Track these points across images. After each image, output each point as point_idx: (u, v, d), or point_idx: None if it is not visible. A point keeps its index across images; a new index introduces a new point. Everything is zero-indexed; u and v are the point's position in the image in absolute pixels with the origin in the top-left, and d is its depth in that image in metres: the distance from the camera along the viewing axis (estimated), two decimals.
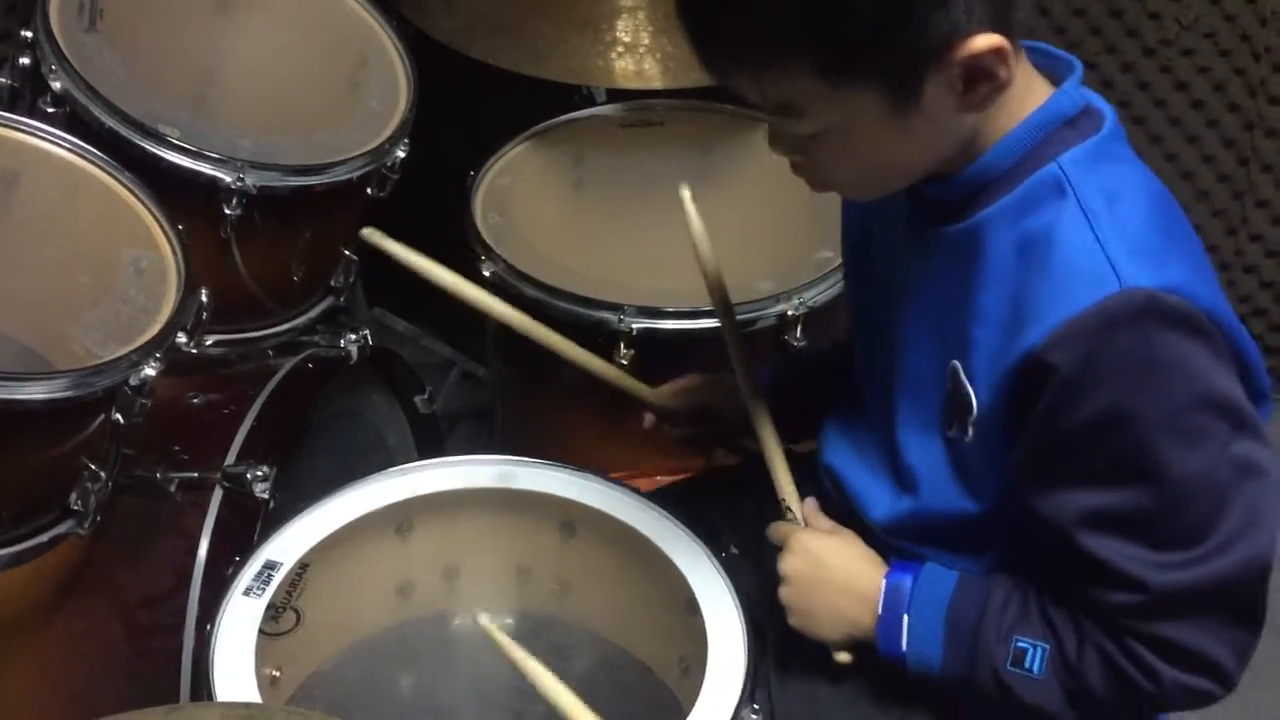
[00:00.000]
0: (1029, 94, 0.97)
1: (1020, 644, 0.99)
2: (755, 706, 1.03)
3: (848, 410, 1.18)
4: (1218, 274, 2.15)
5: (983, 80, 0.91)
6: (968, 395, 0.98)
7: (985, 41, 0.89)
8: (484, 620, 1.12)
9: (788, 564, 1.09)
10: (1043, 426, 0.93)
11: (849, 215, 1.17)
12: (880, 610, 1.04)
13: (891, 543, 1.10)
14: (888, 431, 1.07)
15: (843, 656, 1.08)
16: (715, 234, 1.75)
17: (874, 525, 1.10)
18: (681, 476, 1.43)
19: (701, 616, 1.11)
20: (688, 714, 1.02)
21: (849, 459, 1.14)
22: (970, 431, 0.98)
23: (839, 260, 1.57)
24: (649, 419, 1.35)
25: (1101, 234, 0.92)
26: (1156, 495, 0.92)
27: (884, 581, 1.05)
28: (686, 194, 1.30)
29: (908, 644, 1.03)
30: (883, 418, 1.08)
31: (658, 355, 1.47)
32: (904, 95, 0.91)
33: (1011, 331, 0.94)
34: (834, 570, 1.07)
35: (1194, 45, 1.96)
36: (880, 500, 1.09)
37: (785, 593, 1.09)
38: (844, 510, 1.14)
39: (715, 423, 1.32)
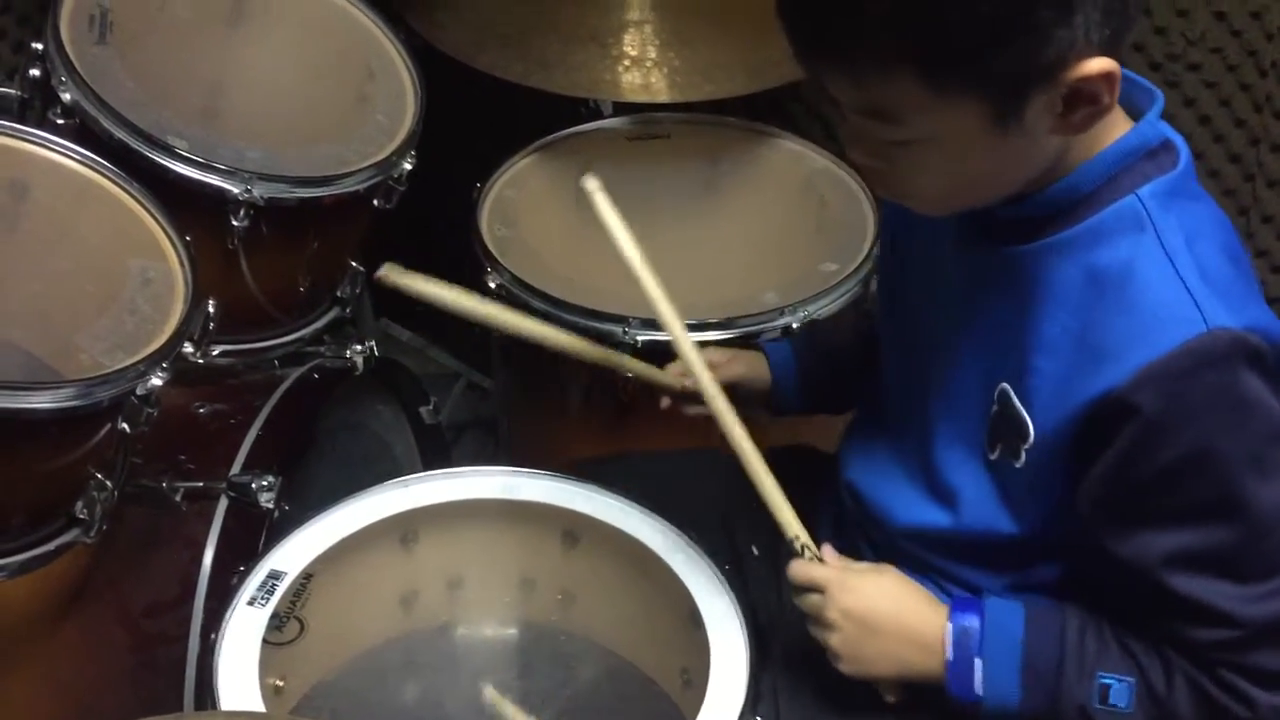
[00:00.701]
0: (1108, 122, 0.95)
1: (1104, 679, 0.97)
2: (759, 717, 1.03)
3: (870, 417, 1.18)
4: None
5: (1084, 104, 0.90)
6: (1021, 420, 0.98)
7: (1099, 65, 0.88)
8: (489, 693, 1.12)
9: (834, 609, 1.03)
10: (1121, 467, 0.93)
11: (890, 223, 1.17)
12: (949, 656, 1.00)
13: (912, 551, 1.09)
14: (923, 444, 1.07)
15: (891, 698, 1.06)
16: (721, 246, 1.77)
17: (895, 531, 1.10)
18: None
19: (704, 628, 1.11)
20: None
21: (869, 465, 1.14)
22: (1023, 457, 0.98)
23: (844, 273, 1.59)
24: (665, 401, 1.34)
25: (1184, 273, 0.92)
26: (1242, 530, 0.92)
27: (949, 624, 1.01)
28: (593, 184, 1.18)
29: (984, 689, 0.99)
30: (917, 430, 1.08)
31: (662, 367, 1.47)
32: (1006, 111, 0.90)
33: (1083, 366, 0.93)
34: (890, 616, 1.03)
35: (1201, 60, 1.96)
36: (906, 509, 1.09)
37: (836, 640, 1.03)
38: (862, 519, 1.14)
39: (734, 396, 1.32)
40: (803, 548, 1.06)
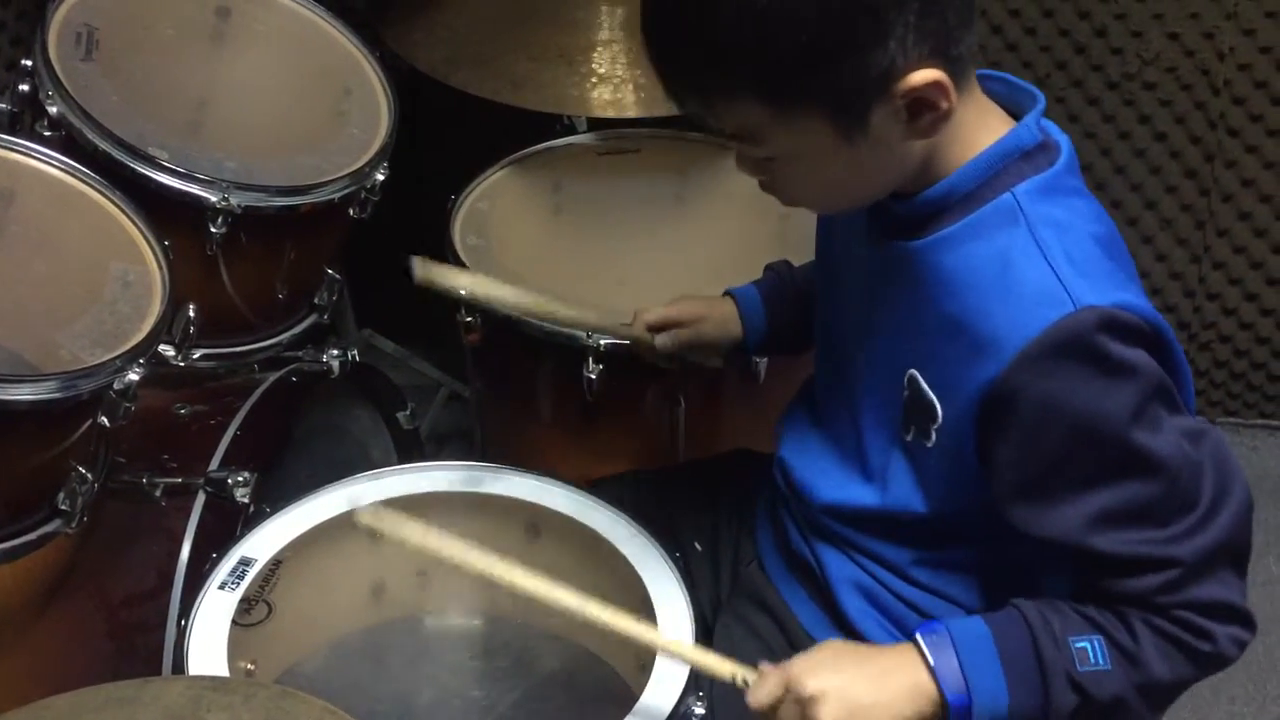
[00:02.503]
0: (983, 124, 1.03)
1: (1078, 644, 0.99)
2: (700, 694, 1.08)
3: (804, 401, 1.24)
4: (1183, 301, 2.22)
5: (926, 110, 0.97)
6: (930, 403, 1.03)
7: (924, 76, 0.95)
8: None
9: (809, 691, 1.00)
10: (1022, 450, 0.99)
11: (822, 220, 1.23)
12: (932, 661, 1.00)
13: (833, 528, 1.14)
14: (853, 428, 1.13)
15: None
16: (689, 256, 1.83)
17: (819, 508, 1.15)
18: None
19: (655, 614, 1.15)
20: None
21: (801, 451, 1.19)
22: (933, 438, 1.04)
23: None
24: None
25: (1053, 260, 0.98)
26: (1150, 480, 0.97)
27: (918, 638, 1.01)
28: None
29: (972, 685, 0.99)
30: (846, 415, 1.14)
31: (624, 370, 1.52)
32: (850, 125, 0.97)
33: (971, 354, 0.99)
34: (860, 665, 1.02)
35: (1156, 79, 2.02)
36: (832, 487, 1.14)
37: (828, 713, 0.99)
38: (791, 495, 1.20)
39: (703, 347, 1.40)
40: (743, 679, 1.04)
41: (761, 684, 1.02)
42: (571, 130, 1.87)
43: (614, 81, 1.74)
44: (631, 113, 1.72)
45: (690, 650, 1.08)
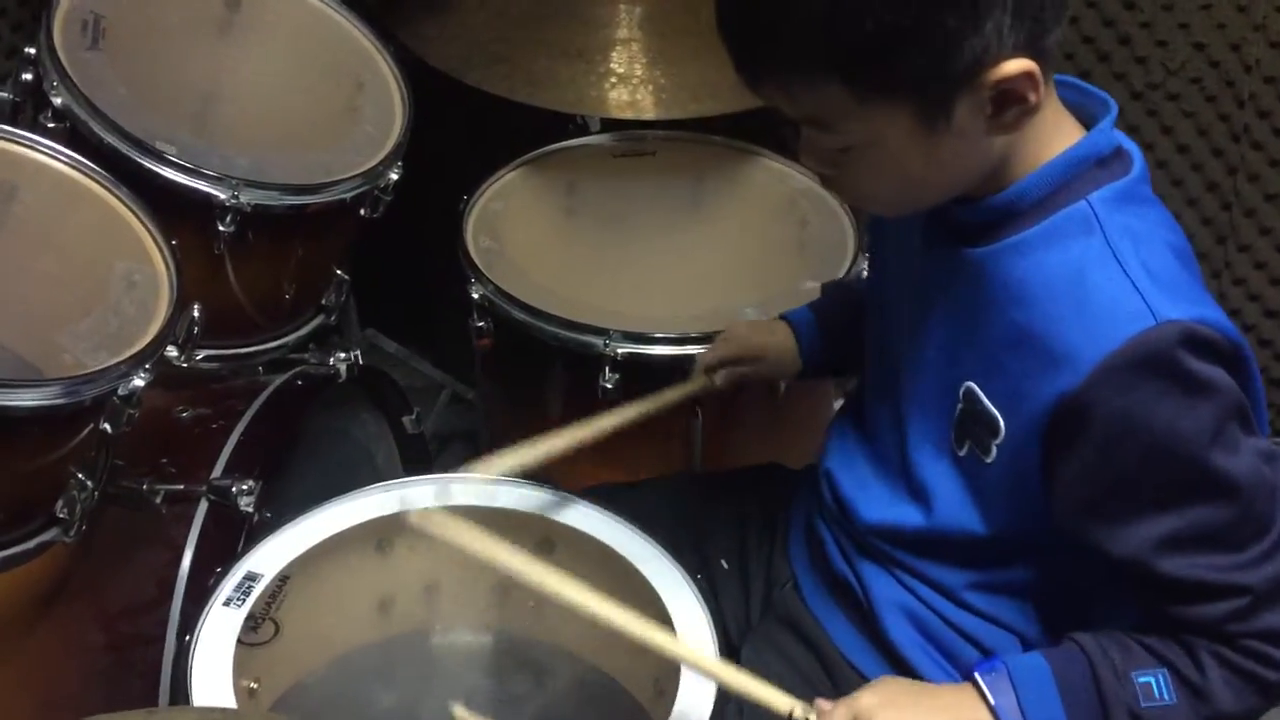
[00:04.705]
0: (1057, 128, 0.99)
1: (1142, 678, 0.98)
2: None
3: (851, 415, 1.20)
4: None
5: (1013, 103, 0.94)
6: (991, 417, 1.00)
7: (1017, 65, 0.92)
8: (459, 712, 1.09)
9: None
10: (1094, 466, 0.96)
11: (874, 225, 1.20)
12: (993, 701, 0.99)
13: (880, 548, 1.11)
14: (898, 443, 1.09)
15: None
16: (705, 262, 1.80)
17: (864, 528, 1.12)
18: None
19: (676, 636, 1.12)
20: None
21: (846, 464, 1.16)
22: (993, 453, 1.01)
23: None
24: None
25: (1131, 271, 0.94)
26: (1225, 504, 0.95)
27: (976, 677, 1.00)
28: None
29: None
30: (891, 429, 1.11)
31: (643, 379, 1.48)
32: (934, 115, 0.94)
33: (1041, 366, 0.96)
34: (920, 705, 1.02)
35: (1180, 90, 1.99)
36: (876, 507, 1.11)
37: None
38: (837, 512, 1.16)
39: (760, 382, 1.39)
40: (803, 713, 1.01)
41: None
42: (585, 131, 1.84)
43: (632, 82, 1.70)
44: (650, 114, 1.70)
45: (748, 682, 1.04)
